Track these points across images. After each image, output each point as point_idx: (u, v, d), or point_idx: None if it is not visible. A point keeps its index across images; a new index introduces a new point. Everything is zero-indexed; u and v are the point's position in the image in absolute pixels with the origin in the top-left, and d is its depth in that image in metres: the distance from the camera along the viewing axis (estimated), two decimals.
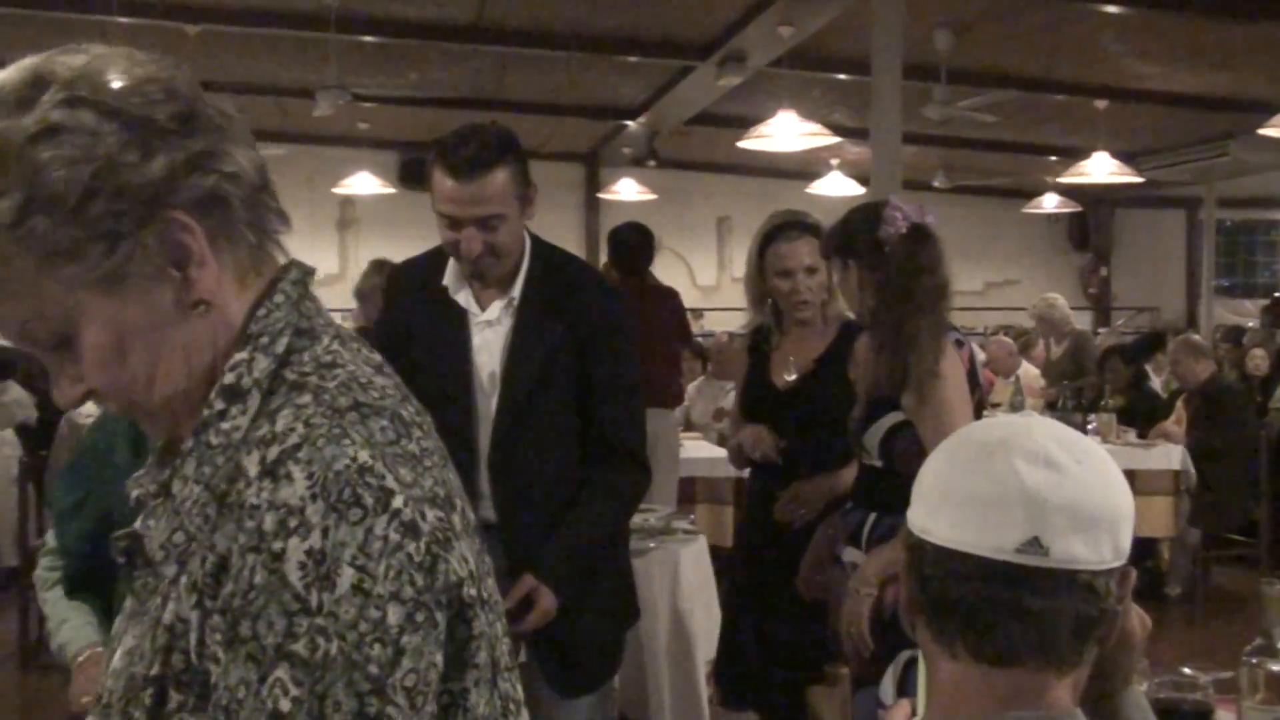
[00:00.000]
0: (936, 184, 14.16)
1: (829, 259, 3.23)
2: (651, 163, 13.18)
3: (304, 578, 1.00)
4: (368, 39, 9.18)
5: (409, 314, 2.93)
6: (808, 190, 12.56)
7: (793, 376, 3.56)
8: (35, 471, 6.40)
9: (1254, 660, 2.17)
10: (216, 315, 1.13)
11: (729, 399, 4.81)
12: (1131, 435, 7.53)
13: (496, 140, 2.68)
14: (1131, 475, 1.37)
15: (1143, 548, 7.18)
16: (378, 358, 1.21)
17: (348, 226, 14.99)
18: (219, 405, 1.11)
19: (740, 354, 3.84)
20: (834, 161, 12.72)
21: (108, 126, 1.05)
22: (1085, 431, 6.43)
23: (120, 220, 1.06)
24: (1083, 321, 12.46)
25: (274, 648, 1.00)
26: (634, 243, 6.60)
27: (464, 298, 2.82)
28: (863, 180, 11.43)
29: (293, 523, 1.01)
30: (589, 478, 2.81)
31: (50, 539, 2.76)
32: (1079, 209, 14.70)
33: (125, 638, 1.15)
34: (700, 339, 9.82)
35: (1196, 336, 9.24)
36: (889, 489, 2.95)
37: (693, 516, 5.05)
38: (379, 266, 6.06)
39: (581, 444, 2.82)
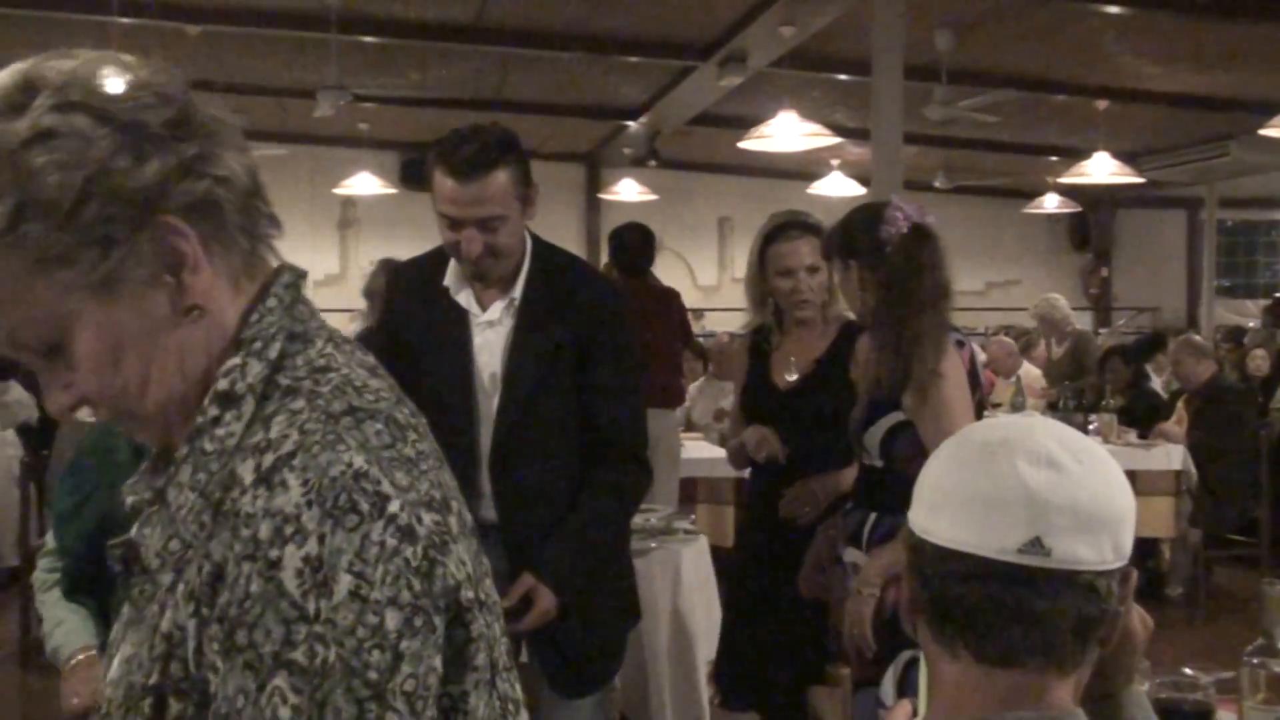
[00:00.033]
0: (937, 184, 14.15)
1: (830, 259, 3.23)
2: (652, 163, 13.18)
3: (301, 585, 1.00)
4: (368, 39, 9.18)
5: (410, 314, 2.93)
6: (808, 190, 12.56)
7: (794, 377, 3.56)
8: (36, 471, 6.40)
9: (1255, 660, 2.17)
10: (210, 320, 1.12)
11: (730, 399, 4.81)
12: (1132, 436, 7.53)
13: (497, 141, 2.68)
14: (1132, 475, 1.37)
15: (1143, 548, 7.17)
16: (372, 359, 1.20)
17: (348, 227, 14.99)
18: (213, 412, 1.11)
19: (740, 354, 3.83)
20: (835, 162, 12.71)
21: (100, 131, 1.05)
22: (1086, 432, 6.42)
23: (113, 225, 1.05)
24: (1083, 322, 12.46)
25: (272, 656, 0.99)
26: (635, 243, 6.60)
27: (465, 298, 2.82)
28: (863, 180, 11.43)
29: (289, 530, 1.01)
30: (590, 478, 2.81)
31: (50, 540, 2.76)
32: (1080, 209, 14.70)
33: (123, 645, 1.15)
34: (701, 339, 9.82)
35: (1197, 337, 9.24)
36: (889, 489, 2.96)
37: (693, 517, 5.05)
38: (387, 266, 6.06)
39: (582, 444, 2.82)
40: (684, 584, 4.12)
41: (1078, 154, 11.31)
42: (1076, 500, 1.24)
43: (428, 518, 1.07)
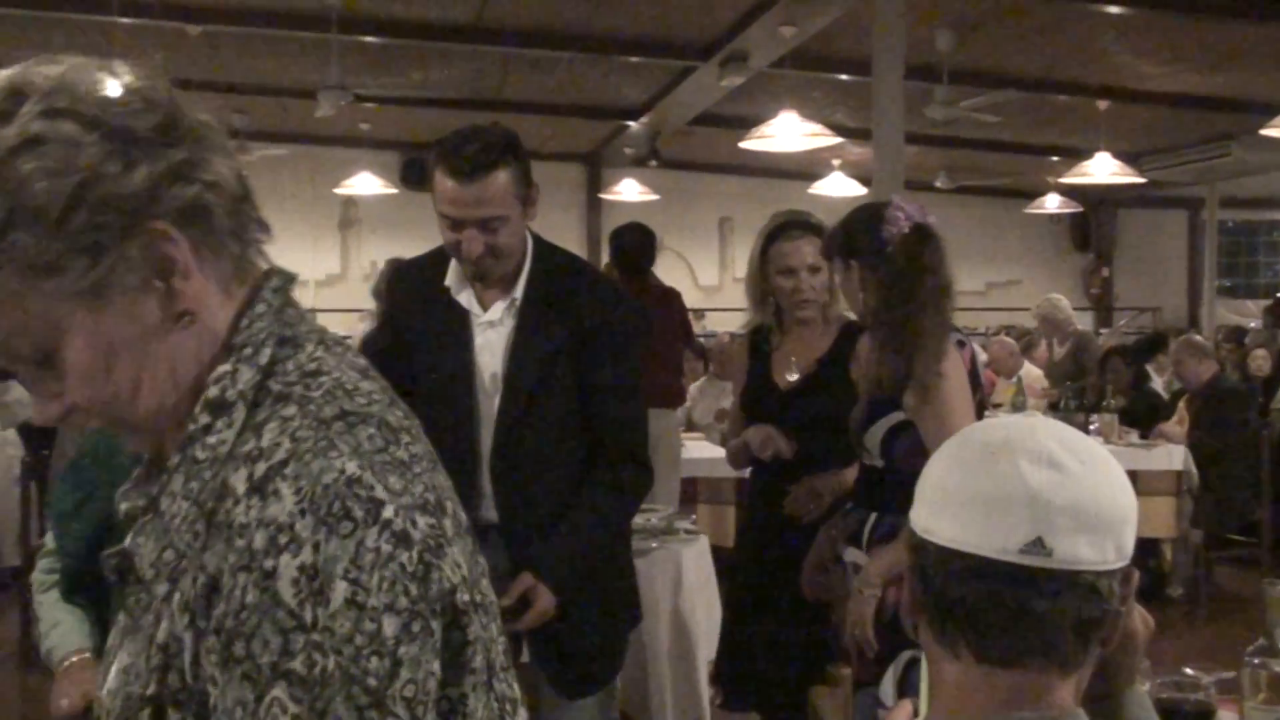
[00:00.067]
0: (938, 184, 14.16)
1: (831, 259, 3.23)
2: (653, 163, 13.20)
3: (297, 594, 0.99)
4: (369, 39, 9.18)
5: (411, 315, 2.92)
6: (809, 191, 12.57)
7: (795, 376, 3.56)
8: (37, 471, 6.39)
9: (1256, 661, 2.17)
10: (201, 326, 1.12)
11: (730, 400, 4.80)
12: (1134, 436, 7.53)
13: (498, 141, 2.67)
14: (1133, 476, 1.37)
15: (1145, 548, 7.16)
16: (363, 361, 1.20)
17: (349, 227, 15.00)
18: (204, 419, 1.10)
19: (740, 354, 3.82)
20: (836, 162, 12.72)
21: (89, 137, 1.04)
22: (1087, 432, 6.42)
23: (103, 232, 1.05)
24: (1084, 322, 12.47)
25: (270, 666, 0.99)
26: (635, 243, 6.59)
27: (466, 298, 2.82)
28: (864, 181, 11.43)
29: (283, 540, 1.00)
30: (590, 478, 2.81)
31: (50, 540, 2.76)
32: (1081, 209, 14.71)
33: (121, 654, 1.15)
34: (702, 339, 9.82)
35: (1198, 337, 9.24)
36: (890, 489, 2.95)
37: (694, 517, 5.05)
38: (395, 266, 6.05)
39: (583, 445, 2.82)
40: (685, 584, 4.12)
41: (1079, 154, 11.31)
42: (1078, 500, 1.24)
43: (422, 521, 1.06)
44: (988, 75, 9.81)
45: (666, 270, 9.91)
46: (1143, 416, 7.83)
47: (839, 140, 9.49)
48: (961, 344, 3.01)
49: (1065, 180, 11.53)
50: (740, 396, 3.73)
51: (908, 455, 2.88)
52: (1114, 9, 8.15)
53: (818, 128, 8.85)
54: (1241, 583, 7.63)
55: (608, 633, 2.95)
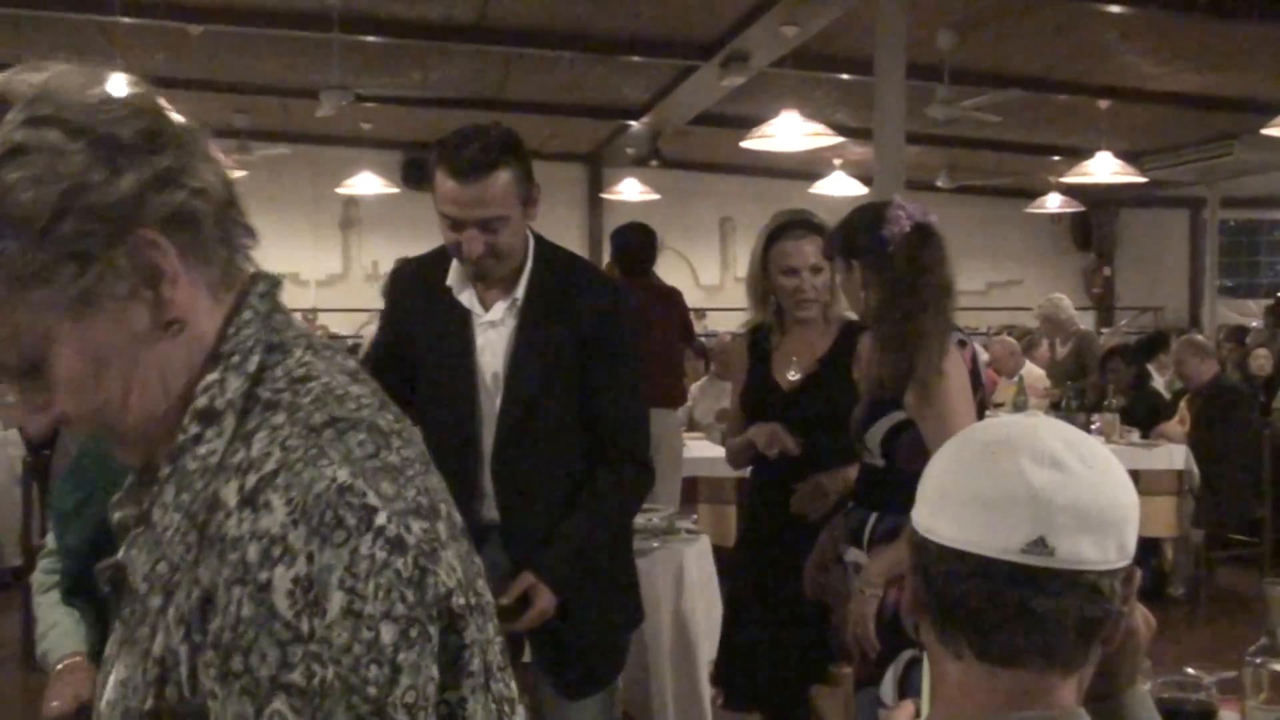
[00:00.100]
0: (939, 184, 14.16)
1: (832, 259, 3.23)
2: (654, 163, 13.21)
3: (293, 606, 0.99)
4: (371, 39, 9.18)
5: (413, 314, 2.92)
6: (811, 190, 12.56)
7: (796, 376, 3.55)
8: (38, 471, 6.39)
9: (1257, 660, 2.17)
10: (191, 333, 1.11)
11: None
12: (1135, 435, 7.53)
13: (499, 141, 2.67)
14: (1135, 475, 1.37)
15: (1146, 548, 7.15)
16: (353, 364, 1.19)
17: (351, 226, 15.00)
18: (194, 429, 1.09)
19: (740, 352, 3.81)
20: (837, 161, 12.71)
21: (73, 145, 1.03)
22: (1088, 431, 6.42)
23: (90, 241, 1.04)
24: (1086, 322, 12.44)
25: (269, 679, 0.98)
26: (636, 243, 6.60)
27: (467, 298, 2.82)
28: (866, 180, 11.43)
29: (276, 551, 1.00)
30: (591, 478, 2.81)
31: (51, 540, 2.76)
32: (1082, 209, 14.71)
33: (117, 667, 1.14)
34: (703, 339, 9.82)
35: (1200, 336, 9.23)
36: (891, 488, 2.95)
37: (695, 517, 5.05)
38: None
39: (584, 445, 2.82)
40: (686, 584, 4.12)
41: (1080, 154, 11.31)
42: (1080, 500, 1.24)
43: (416, 526, 1.06)
44: (989, 75, 9.81)
45: (668, 270, 9.91)
46: (1144, 416, 7.83)
47: (840, 140, 9.49)
48: (963, 344, 3.01)
49: (1066, 180, 11.53)
50: (740, 396, 3.71)
51: (908, 455, 2.88)
52: (1115, 8, 8.15)
53: (819, 127, 8.85)
54: (1243, 582, 7.62)
55: (609, 633, 2.95)
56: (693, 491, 6.64)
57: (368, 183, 11.68)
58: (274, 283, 1.18)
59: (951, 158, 13.75)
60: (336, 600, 0.99)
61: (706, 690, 4.07)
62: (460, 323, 2.82)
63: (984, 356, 8.12)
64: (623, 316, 2.87)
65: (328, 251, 14.89)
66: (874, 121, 7.96)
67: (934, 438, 2.77)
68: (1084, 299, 16.23)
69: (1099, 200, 15.59)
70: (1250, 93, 10.46)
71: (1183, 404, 7.88)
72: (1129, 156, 11.50)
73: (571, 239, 13.35)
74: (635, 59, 9.85)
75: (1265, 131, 8.45)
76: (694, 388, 8.22)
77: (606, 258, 7.13)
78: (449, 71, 10.50)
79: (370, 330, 8.37)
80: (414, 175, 12.75)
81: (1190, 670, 2.18)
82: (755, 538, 3.67)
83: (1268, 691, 2.16)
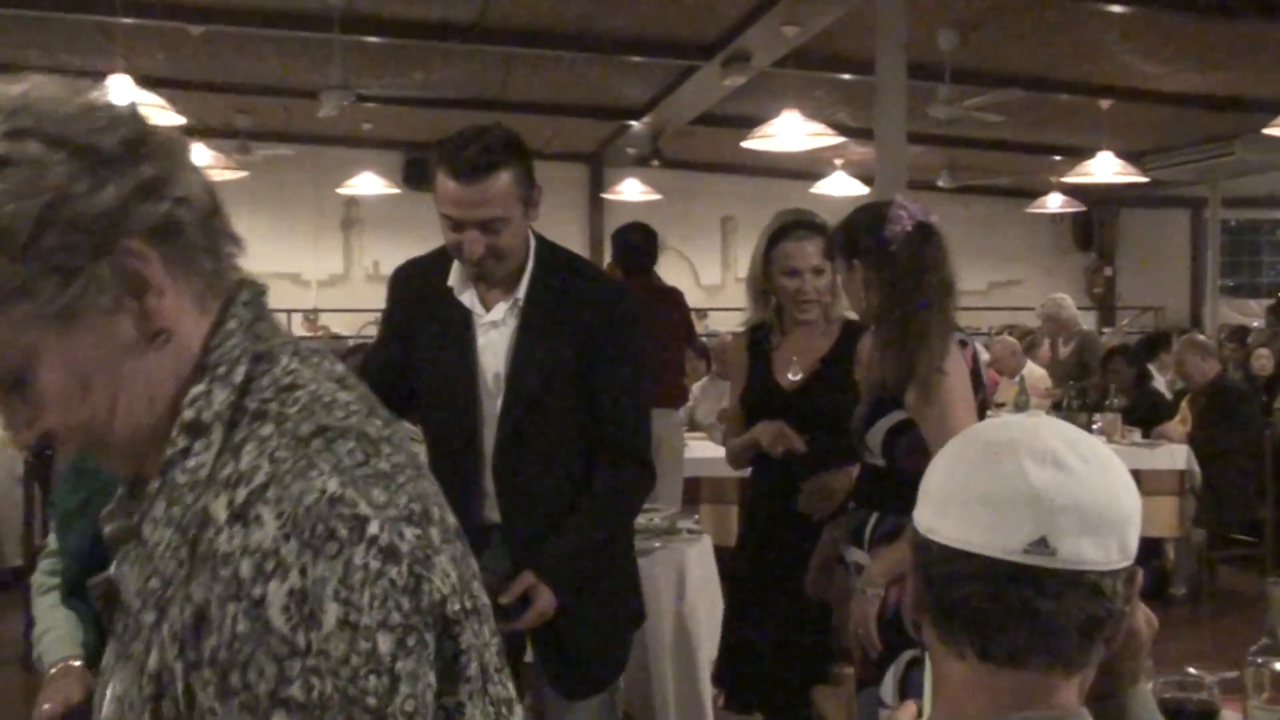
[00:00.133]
0: (941, 183, 14.16)
1: (833, 259, 3.23)
2: (655, 163, 13.20)
3: (289, 620, 0.98)
4: (372, 39, 9.18)
5: (414, 315, 2.92)
6: (812, 190, 12.56)
7: (798, 376, 3.55)
8: (40, 471, 6.39)
9: (1259, 660, 2.17)
10: (177, 344, 1.10)
11: None
12: (1137, 435, 7.53)
13: (500, 142, 2.66)
14: (1136, 475, 1.37)
15: (1148, 548, 7.15)
16: (340, 369, 1.17)
17: (352, 227, 15.01)
18: (182, 443, 1.08)
19: (739, 352, 3.80)
20: (838, 161, 12.71)
21: (55, 157, 1.02)
22: (1090, 431, 6.42)
23: (74, 253, 1.02)
24: (1087, 321, 12.46)
25: (268, 695, 0.98)
26: (638, 243, 6.60)
27: (469, 298, 2.81)
28: (867, 180, 11.43)
29: (269, 566, 0.99)
30: (593, 478, 2.81)
31: (52, 541, 2.75)
32: (1083, 208, 14.71)
33: (114, 682, 1.13)
34: (704, 339, 9.81)
35: (1202, 336, 9.23)
36: (891, 488, 2.95)
37: (697, 516, 5.05)
38: None
39: (586, 445, 2.82)
40: (688, 584, 4.12)
41: (1081, 153, 11.30)
42: (1082, 500, 1.24)
43: (409, 533, 1.05)
44: (990, 74, 9.80)
45: (669, 270, 9.91)
46: (1145, 416, 7.82)
47: (841, 140, 9.49)
48: (964, 343, 3.01)
49: (1068, 179, 11.53)
50: (741, 396, 3.70)
51: (909, 454, 2.88)
52: (1117, 8, 8.15)
53: (820, 127, 8.85)
54: (1244, 582, 7.62)
55: (611, 633, 2.95)
56: (694, 491, 6.64)
57: (369, 183, 11.69)
58: (258, 290, 1.17)
59: (952, 157, 13.75)
60: (332, 612, 0.99)
61: (708, 690, 4.07)
62: (461, 323, 2.82)
63: (985, 356, 8.11)
64: (624, 317, 2.86)
65: (329, 252, 14.90)
66: (875, 121, 7.96)
67: (935, 437, 2.77)
68: (1085, 299, 16.23)
69: (1100, 200, 15.59)
70: (1252, 92, 10.46)
71: (1184, 404, 7.88)
72: (1130, 156, 11.50)
73: (573, 239, 13.35)
74: (636, 59, 9.85)
75: (1266, 131, 8.45)
76: (695, 388, 8.21)
77: (608, 258, 7.13)
78: (450, 72, 10.50)
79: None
80: (416, 176, 12.76)
81: (1192, 670, 2.17)
82: (756, 538, 3.67)
83: (1269, 691, 2.15)
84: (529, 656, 2.88)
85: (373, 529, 1.02)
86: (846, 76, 9.83)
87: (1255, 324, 13.82)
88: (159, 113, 7.17)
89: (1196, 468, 7.25)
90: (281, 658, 0.98)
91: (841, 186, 12.46)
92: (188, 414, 1.09)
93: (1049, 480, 1.24)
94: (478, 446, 2.79)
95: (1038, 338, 10.32)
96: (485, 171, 2.62)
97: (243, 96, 11.32)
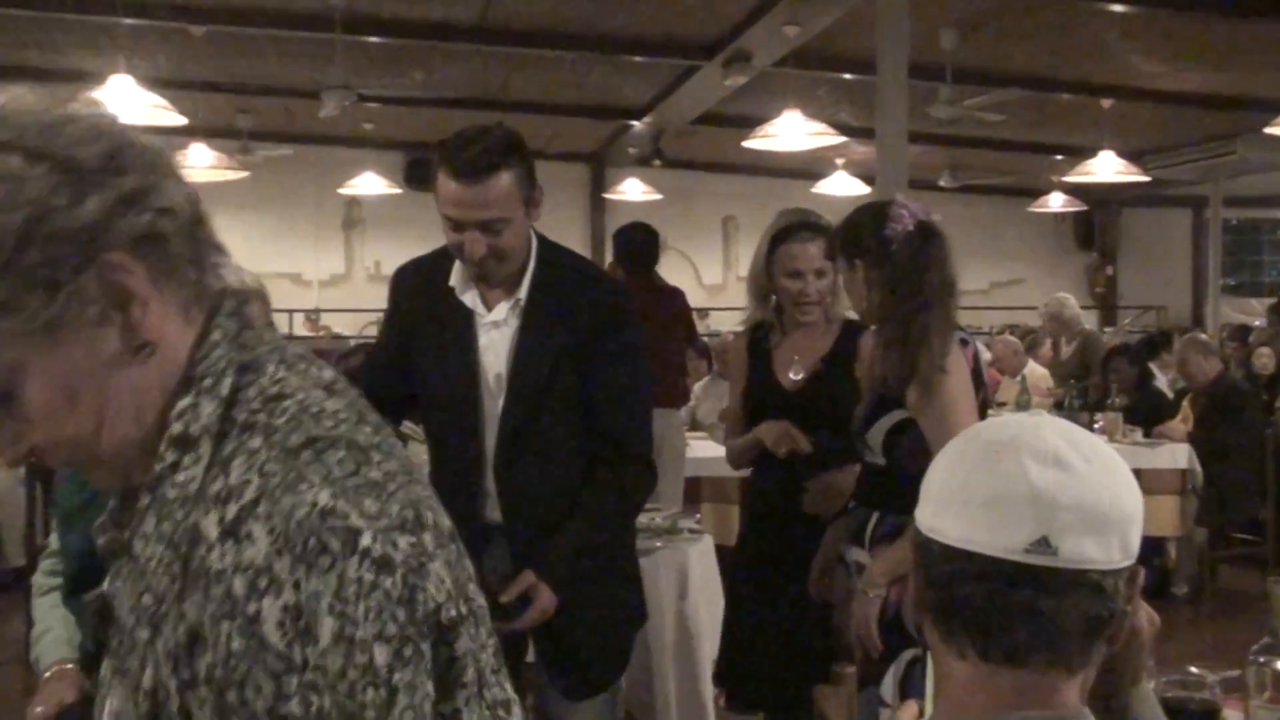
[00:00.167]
0: (942, 183, 14.16)
1: (834, 259, 3.22)
2: (657, 162, 13.20)
3: (284, 636, 0.98)
4: (373, 39, 9.19)
5: (415, 315, 2.92)
6: (813, 190, 12.56)
7: (799, 375, 3.55)
8: (43, 470, 6.38)
9: (1261, 659, 2.17)
10: (163, 355, 1.09)
11: None
12: (1138, 434, 7.52)
13: (501, 142, 2.66)
14: (1138, 474, 1.37)
15: (1149, 547, 7.16)
16: (329, 374, 1.16)
17: (353, 227, 15.02)
18: (171, 457, 1.07)
19: (739, 351, 3.79)
20: (839, 161, 12.71)
21: (35, 170, 1.01)
22: (1091, 430, 6.41)
23: (56, 267, 1.01)
24: (1089, 321, 12.45)
25: (266, 712, 0.98)
26: (639, 242, 6.59)
27: (470, 298, 2.81)
28: (868, 180, 11.43)
29: (262, 583, 0.99)
30: (594, 478, 2.80)
31: (54, 540, 2.75)
32: (1085, 208, 14.71)
33: (111, 698, 1.13)
34: (706, 338, 9.82)
35: (1203, 335, 9.23)
36: (892, 487, 2.95)
37: (698, 516, 5.05)
38: None
39: (587, 445, 2.82)
40: (689, 583, 4.12)
41: (1083, 153, 11.30)
42: (1084, 500, 1.24)
43: (403, 542, 1.04)
44: (991, 74, 9.80)
45: (670, 269, 9.90)
46: (1147, 415, 7.82)
47: (842, 139, 9.49)
48: (965, 342, 3.01)
49: (1069, 179, 11.52)
50: (742, 395, 3.69)
51: (910, 453, 2.87)
52: (1118, 7, 8.15)
53: (821, 127, 8.85)
54: (1246, 581, 7.61)
55: (612, 634, 2.94)
56: (696, 491, 6.63)
57: (370, 183, 11.69)
58: (242, 299, 1.15)
59: (954, 157, 13.75)
60: (327, 626, 0.98)
61: (709, 690, 4.07)
62: (463, 323, 2.82)
63: (986, 356, 8.11)
64: (625, 316, 2.86)
65: (330, 252, 14.91)
66: (876, 121, 7.96)
67: (935, 436, 2.77)
68: (1087, 298, 16.23)
69: (1102, 199, 15.59)
70: (1253, 91, 10.45)
71: (1185, 403, 7.88)
72: (1131, 155, 11.49)
73: (574, 239, 13.34)
74: (637, 59, 9.85)
75: (1268, 130, 8.46)
76: (697, 387, 8.21)
77: (609, 258, 7.13)
78: (451, 72, 10.51)
79: None
80: (419, 176, 12.77)
81: (1194, 669, 2.17)
82: (757, 537, 3.67)
83: (1271, 690, 2.16)
84: (530, 656, 2.88)
85: (365, 540, 1.01)
86: (848, 76, 9.83)
87: (1257, 323, 13.81)
88: (161, 113, 7.17)
89: (1198, 467, 7.25)
90: (278, 674, 0.98)
91: (843, 186, 12.46)
92: (175, 428, 1.08)
93: (1051, 480, 1.24)
94: (479, 446, 2.79)
95: (1039, 337, 10.32)
96: (486, 172, 2.62)
97: (244, 97, 11.32)
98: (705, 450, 6.83)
